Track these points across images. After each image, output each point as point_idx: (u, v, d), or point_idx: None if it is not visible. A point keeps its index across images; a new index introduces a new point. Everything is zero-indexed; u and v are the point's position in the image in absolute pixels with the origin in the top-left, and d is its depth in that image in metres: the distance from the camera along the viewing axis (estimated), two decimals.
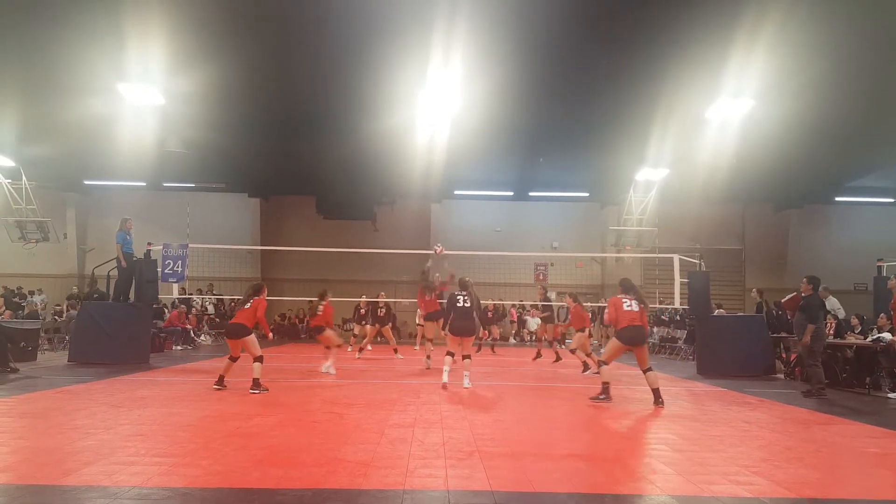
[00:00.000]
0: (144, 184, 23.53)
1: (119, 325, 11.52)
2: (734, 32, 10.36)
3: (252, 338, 8.10)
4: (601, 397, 7.11)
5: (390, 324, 15.63)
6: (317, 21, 10.88)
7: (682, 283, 13.65)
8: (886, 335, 9.36)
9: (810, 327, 8.72)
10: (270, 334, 8.84)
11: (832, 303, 12.50)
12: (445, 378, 8.47)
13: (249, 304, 8.15)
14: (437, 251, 11.93)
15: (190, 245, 14.30)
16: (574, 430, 6.05)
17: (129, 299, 12.12)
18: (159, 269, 12.89)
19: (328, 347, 10.42)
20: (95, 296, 14.75)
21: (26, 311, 16.54)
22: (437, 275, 12.30)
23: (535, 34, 11.09)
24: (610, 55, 12.09)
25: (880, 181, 21.95)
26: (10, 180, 17.89)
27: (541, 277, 23.35)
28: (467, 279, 8.98)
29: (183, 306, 16.97)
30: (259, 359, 8.02)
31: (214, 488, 3.79)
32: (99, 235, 22.94)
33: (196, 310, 19.34)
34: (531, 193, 24.40)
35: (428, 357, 11.75)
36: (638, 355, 7.48)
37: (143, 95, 13.12)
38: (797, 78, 12.31)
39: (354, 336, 16.79)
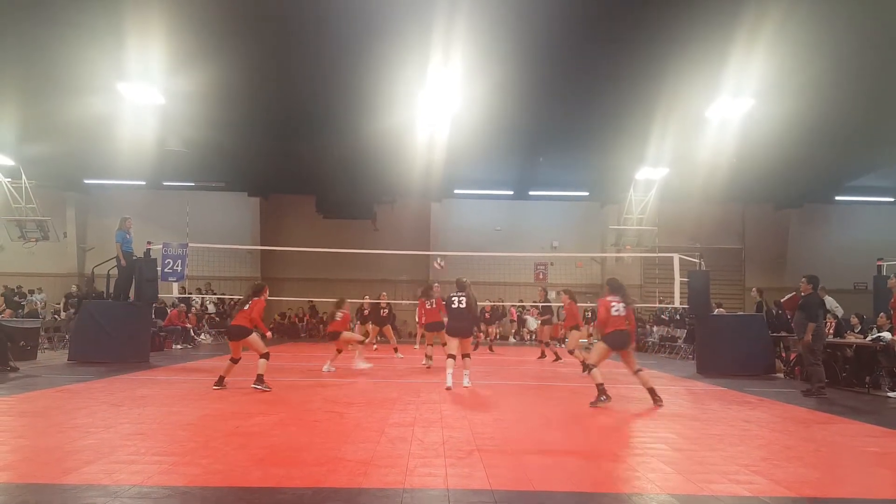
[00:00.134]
0: (144, 183, 23.55)
1: (119, 324, 11.52)
2: (734, 31, 10.36)
3: (255, 336, 8.11)
4: (602, 399, 7.09)
5: (394, 323, 15.65)
6: (317, 20, 10.89)
7: (681, 283, 13.65)
8: (886, 334, 9.36)
9: (811, 326, 8.72)
10: (269, 333, 8.86)
11: (829, 302, 12.50)
12: (449, 382, 8.39)
13: (248, 305, 8.15)
14: (438, 266, 11.84)
15: (190, 244, 14.30)
16: (574, 428, 6.05)
17: (129, 298, 12.13)
18: (159, 268, 12.90)
19: (340, 351, 10.73)
20: (93, 295, 14.76)
21: (26, 310, 16.54)
22: (437, 284, 12.29)
23: (535, 33, 11.09)
24: (610, 54, 12.09)
25: (880, 180, 21.95)
26: (9, 179, 17.89)
27: (541, 277, 23.37)
28: (465, 280, 8.95)
29: (182, 305, 16.97)
30: (265, 355, 8.05)
31: (215, 487, 3.79)
32: (99, 234, 22.96)
33: (196, 309, 19.33)
34: (531, 193, 24.41)
35: (429, 357, 11.76)
36: (624, 359, 7.47)
37: (143, 94, 13.13)
38: (797, 77, 12.31)
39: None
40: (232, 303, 20.97)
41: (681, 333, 17.02)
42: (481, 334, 16.86)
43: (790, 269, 23.43)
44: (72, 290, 19.58)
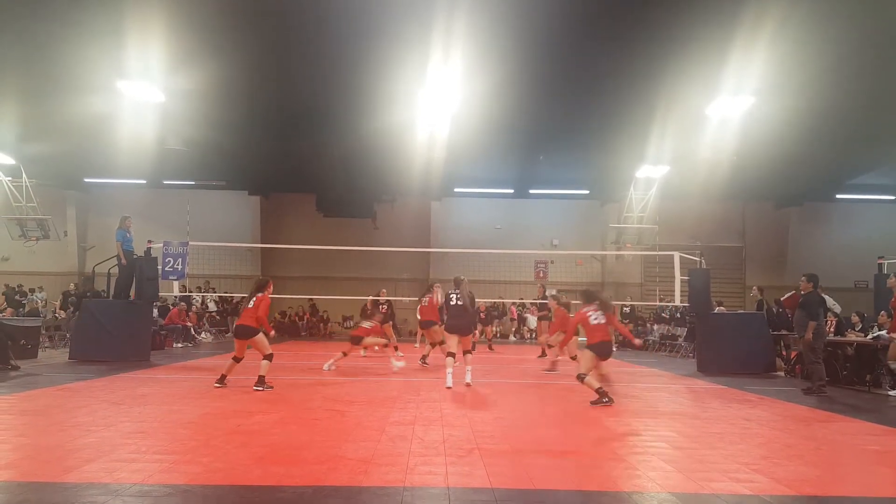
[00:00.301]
0: (144, 181, 23.57)
1: (120, 322, 11.52)
2: (734, 29, 10.35)
3: (261, 336, 8.09)
4: (604, 400, 7.08)
5: (394, 321, 15.63)
6: (317, 19, 10.88)
7: (682, 281, 13.66)
8: (883, 332, 9.37)
9: (811, 324, 8.72)
10: (272, 332, 8.86)
11: (827, 300, 12.50)
12: (450, 382, 8.38)
13: (252, 303, 8.12)
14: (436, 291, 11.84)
15: (190, 242, 14.30)
16: (574, 427, 6.06)
17: (129, 297, 12.13)
18: (160, 267, 12.90)
19: (345, 354, 10.77)
20: (89, 294, 14.76)
21: (27, 308, 16.55)
22: (438, 285, 12.31)
23: (535, 32, 11.08)
24: (610, 53, 12.08)
25: (881, 178, 21.93)
26: (10, 178, 17.89)
27: (541, 275, 23.36)
28: (462, 277, 8.97)
29: (183, 304, 16.98)
30: (268, 357, 8.03)
31: (215, 485, 3.80)
32: (99, 233, 22.99)
33: (196, 307, 19.34)
34: (531, 191, 24.41)
35: (425, 357, 11.77)
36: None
37: (144, 93, 13.11)
38: (797, 75, 12.30)
39: None
40: (234, 302, 20.99)
41: (681, 332, 17.03)
42: (475, 335, 16.78)
43: (791, 267, 23.42)
44: (69, 289, 19.60)
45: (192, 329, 16.95)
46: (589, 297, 7.56)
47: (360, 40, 11.44)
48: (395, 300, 18.10)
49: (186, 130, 16.50)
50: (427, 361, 11.66)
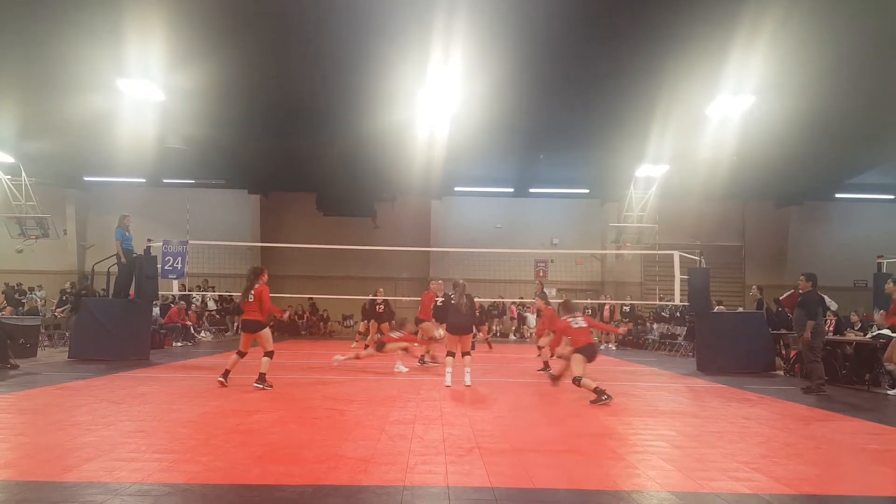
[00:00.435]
0: (144, 180, 23.56)
1: (119, 321, 11.52)
2: (735, 29, 10.34)
3: (267, 332, 8.13)
4: (603, 398, 7.10)
5: (392, 321, 15.58)
6: (317, 18, 10.87)
7: (682, 280, 13.66)
8: (886, 331, 9.38)
9: (810, 323, 8.73)
10: (285, 314, 8.90)
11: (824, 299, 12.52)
12: (448, 381, 8.45)
13: (253, 296, 8.08)
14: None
15: (190, 241, 14.29)
16: (574, 426, 6.06)
17: (129, 296, 12.13)
18: (159, 266, 12.89)
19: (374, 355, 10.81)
20: (84, 292, 14.75)
21: (26, 307, 16.56)
22: (441, 281, 12.35)
23: (535, 31, 11.07)
24: (610, 52, 12.07)
25: (881, 178, 21.93)
26: (9, 176, 17.89)
27: (541, 274, 23.37)
28: (461, 281, 9.06)
29: (182, 302, 16.98)
30: (269, 354, 8.04)
31: (215, 484, 3.80)
32: (99, 232, 22.97)
33: (196, 306, 19.34)
34: (531, 190, 24.41)
35: (424, 356, 11.79)
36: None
37: (143, 91, 13.10)
38: (798, 75, 12.29)
39: (359, 333, 16.87)
40: (235, 302, 20.95)
41: (681, 331, 17.04)
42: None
43: (790, 266, 23.42)
44: (65, 287, 19.58)
45: (191, 328, 16.96)
46: (569, 308, 7.94)
47: (359, 39, 11.44)
48: (394, 300, 18.09)
49: (186, 129, 16.49)
50: (426, 361, 11.66)
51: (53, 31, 11.33)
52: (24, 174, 17.75)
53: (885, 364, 8.92)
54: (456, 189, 24.25)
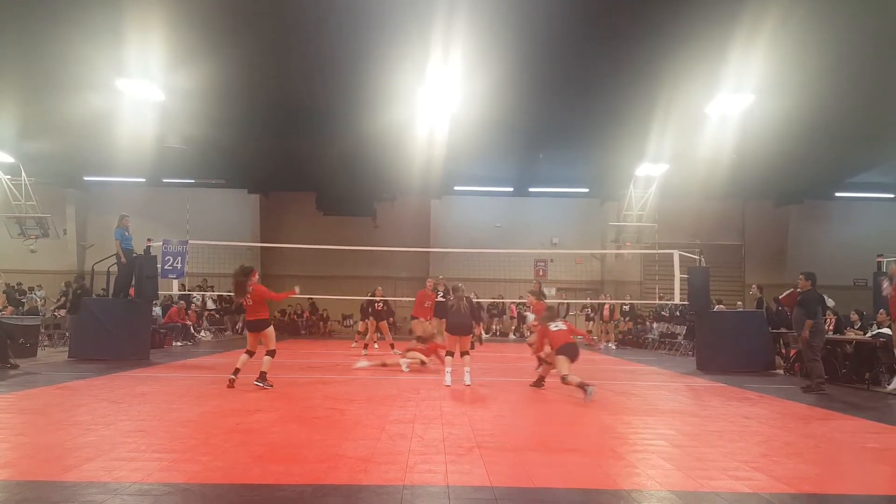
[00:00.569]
0: (144, 180, 23.54)
1: (119, 321, 11.51)
2: (734, 28, 10.34)
3: (271, 330, 8.17)
4: (588, 390, 7.20)
5: (391, 319, 15.60)
6: (317, 17, 10.86)
7: (681, 279, 13.65)
8: (886, 330, 9.38)
9: (809, 322, 8.73)
10: (296, 290, 8.91)
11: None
12: (448, 381, 8.49)
13: (251, 298, 8.05)
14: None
15: (190, 241, 14.29)
16: (573, 425, 6.06)
17: (129, 295, 12.13)
18: (159, 266, 12.88)
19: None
20: (79, 291, 14.75)
21: (26, 307, 16.55)
22: (442, 277, 12.42)
23: (535, 31, 11.07)
24: (610, 51, 12.07)
25: (881, 177, 21.92)
26: (9, 176, 17.89)
27: (541, 273, 23.36)
28: (459, 285, 9.14)
29: (182, 302, 16.99)
30: (271, 353, 8.07)
31: (215, 484, 3.80)
32: (99, 231, 22.95)
33: (196, 306, 19.34)
34: (531, 189, 24.39)
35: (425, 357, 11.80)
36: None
37: (143, 91, 13.11)
38: (797, 73, 12.29)
39: (359, 333, 16.83)
40: (235, 302, 20.94)
41: (681, 330, 17.03)
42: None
43: (790, 265, 23.40)
44: (62, 287, 19.58)
45: (191, 327, 16.96)
46: (552, 316, 8.43)
47: (359, 39, 11.43)
48: (394, 300, 18.09)
49: (186, 128, 16.48)
50: (426, 360, 11.65)
51: (53, 31, 11.32)
52: (24, 174, 17.74)
53: None
54: (456, 188, 24.24)
